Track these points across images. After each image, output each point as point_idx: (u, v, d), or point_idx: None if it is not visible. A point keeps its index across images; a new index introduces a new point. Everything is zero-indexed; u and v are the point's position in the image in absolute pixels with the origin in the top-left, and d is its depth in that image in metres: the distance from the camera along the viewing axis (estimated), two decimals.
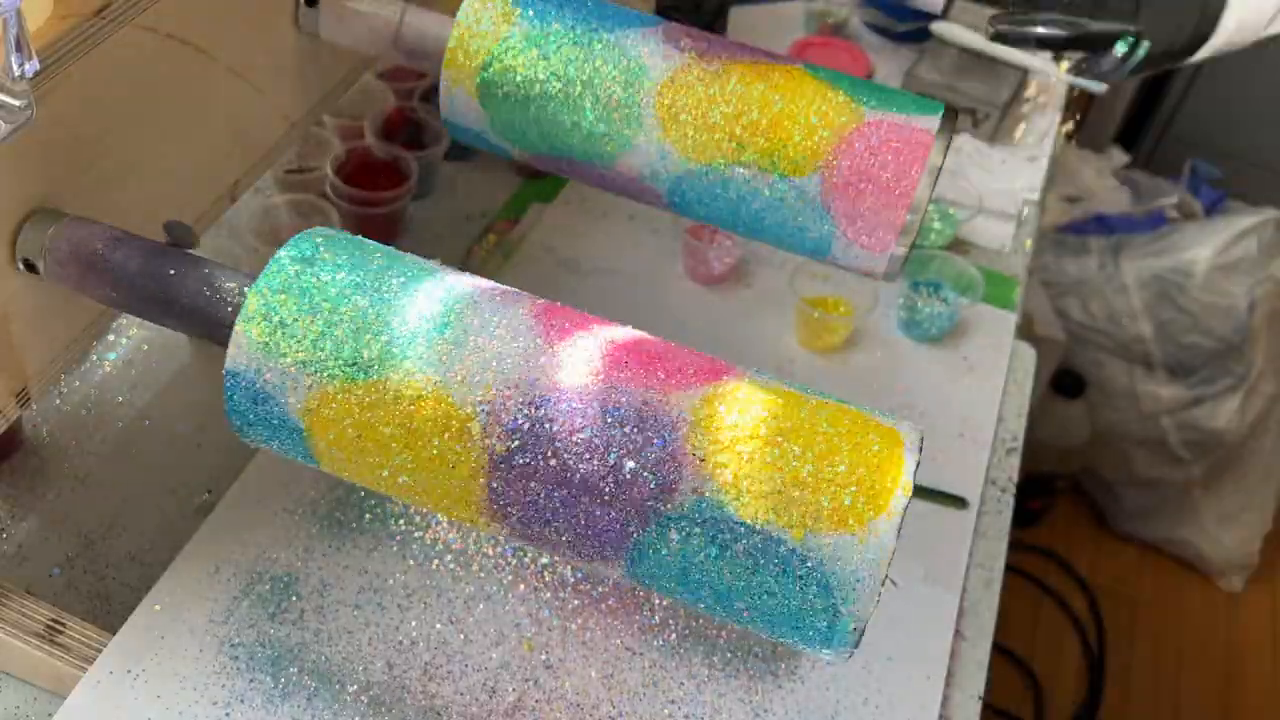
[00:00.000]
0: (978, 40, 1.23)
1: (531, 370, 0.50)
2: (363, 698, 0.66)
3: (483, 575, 0.72)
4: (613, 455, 0.49)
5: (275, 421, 0.53)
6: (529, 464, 0.49)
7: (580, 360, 0.51)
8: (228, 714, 0.64)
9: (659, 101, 0.63)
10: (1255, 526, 1.89)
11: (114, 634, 0.66)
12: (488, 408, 0.50)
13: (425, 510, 0.75)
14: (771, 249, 1.00)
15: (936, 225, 1.05)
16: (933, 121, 0.62)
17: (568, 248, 1.00)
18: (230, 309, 0.54)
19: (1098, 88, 1.22)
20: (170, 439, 0.81)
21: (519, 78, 0.64)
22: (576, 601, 0.72)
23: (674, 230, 1.02)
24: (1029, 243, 1.09)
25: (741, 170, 0.63)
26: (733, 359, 0.54)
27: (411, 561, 0.72)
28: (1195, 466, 1.85)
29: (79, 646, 0.65)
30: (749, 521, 0.48)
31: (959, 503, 0.83)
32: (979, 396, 0.92)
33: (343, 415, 0.51)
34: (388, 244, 0.57)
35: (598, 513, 0.49)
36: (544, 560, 0.73)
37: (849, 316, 0.94)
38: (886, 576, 0.47)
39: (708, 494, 0.48)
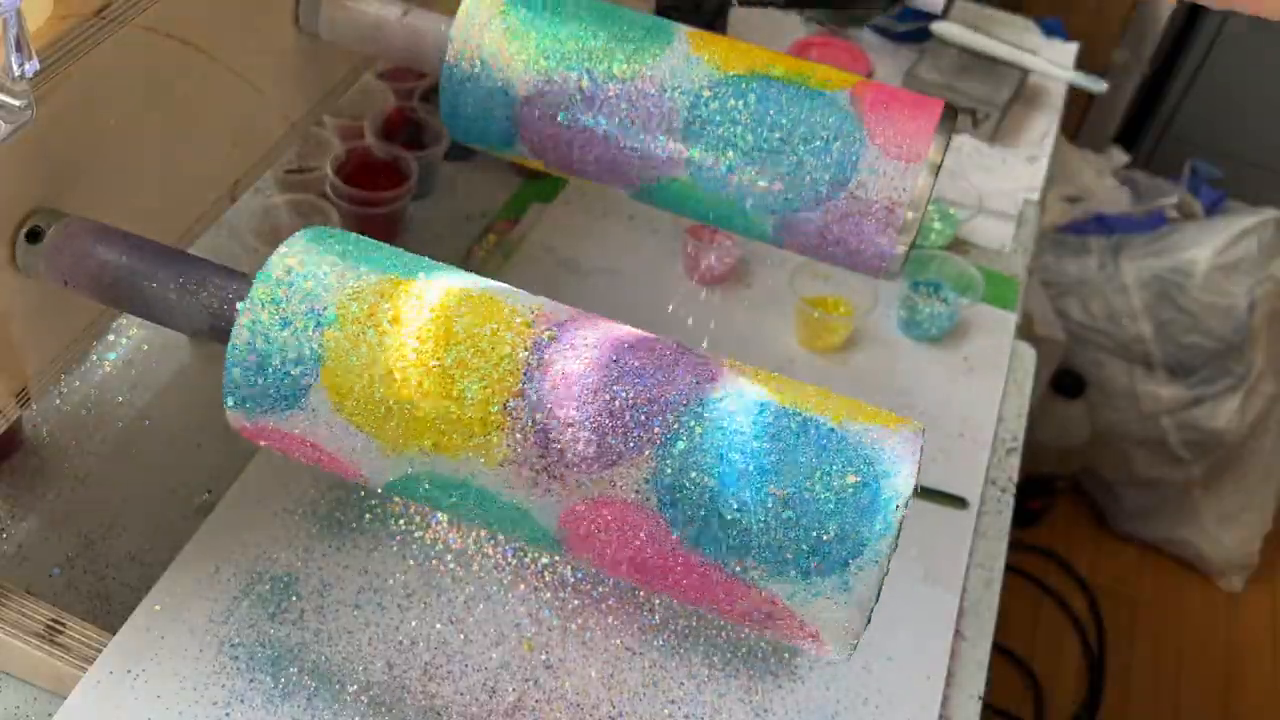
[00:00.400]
0: (978, 40, 1.23)
1: (576, 309, 0.54)
2: (363, 698, 0.66)
3: (483, 575, 0.72)
4: (658, 342, 0.51)
5: (294, 312, 0.52)
6: (574, 345, 0.51)
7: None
8: (228, 714, 0.64)
9: (691, 37, 0.65)
10: (1255, 526, 1.89)
11: (114, 634, 0.66)
12: (536, 309, 0.52)
13: (427, 511, 0.75)
14: (771, 249, 1.00)
15: (936, 225, 1.05)
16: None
17: (568, 248, 1.00)
18: (230, 308, 0.54)
19: (1098, 87, 1.22)
20: (170, 439, 0.81)
21: None
22: (576, 601, 0.72)
23: (674, 230, 1.02)
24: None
25: (769, 81, 0.64)
26: (733, 359, 0.54)
27: (411, 561, 0.72)
28: (1195, 466, 1.85)
29: (79, 646, 0.65)
30: (788, 406, 0.50)
31: (959, 503, 0.83)
32: (979, 396, 0.92)
33: (379, 304, 0.52)
34: (388, 244, 0.57)
35: (649, 374, 0.50)
36: (544, 560, 0.73)
37: (849, 316, 0.94)
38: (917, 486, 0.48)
39: (746, 386, 0.50)
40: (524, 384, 0.50)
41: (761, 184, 0.64)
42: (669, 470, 0.49)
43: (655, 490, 0.49)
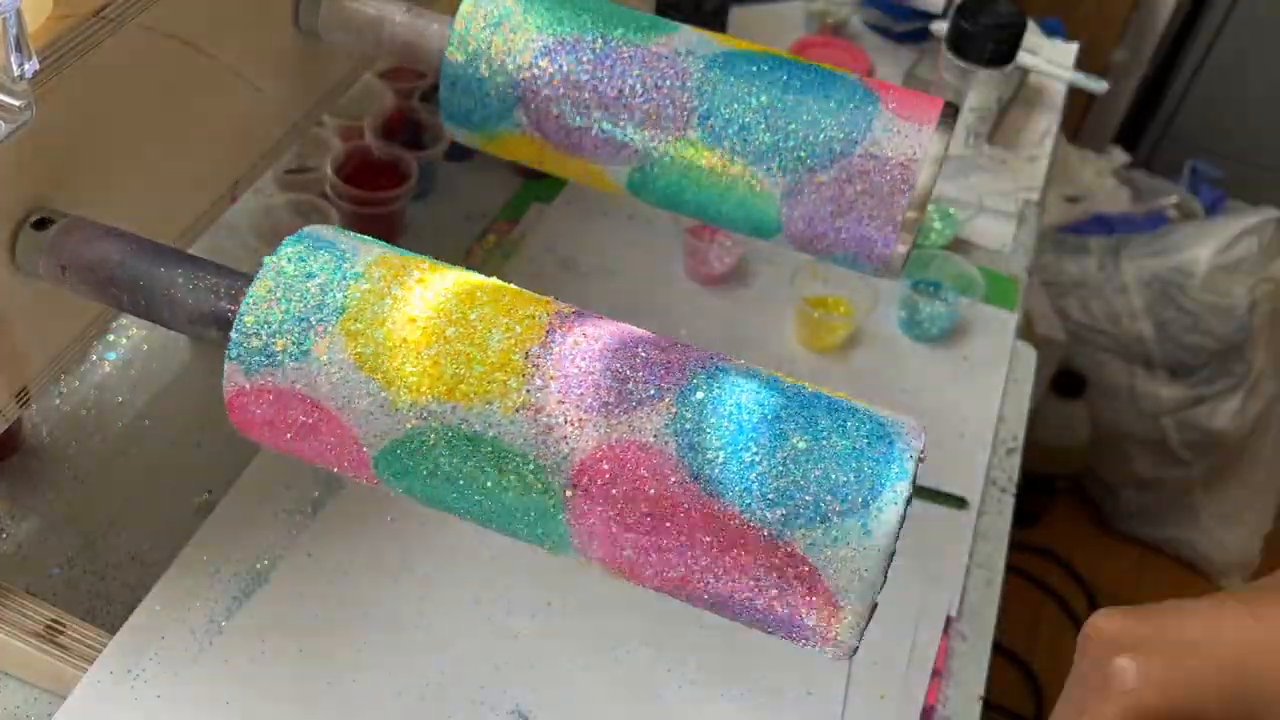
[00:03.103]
0: None
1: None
2: (364, 698, 0.66)
3: (483, 577, 0.72)
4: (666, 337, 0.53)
5: (322, 264, 0.53)
6: (594, 321, 0.52)
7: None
8: (228, 714, 0.64)
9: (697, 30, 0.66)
10: (1255, 526, 1.89)
11: (114, 634, 0.66)
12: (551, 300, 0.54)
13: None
14: (772, 248, 1.00)
15: (936, 225, 1.05)
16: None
17: (568, 248, 1.00)
18: (229, 308, 0.54)
19: (1098, 87, 1.22)
20: (170, 439, 0.81)
21: None
22: (578, 601, 0.72)
23: (674, 230, 1.02)
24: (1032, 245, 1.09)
25: (781, 58, 0.65)
26: (733, 359, 0.54)
27: (412, 564, 0.72)
28: (1195, 466, 1.85)
29: (79, 646, 0.65)
30: (798, 382, 0.51)
31: (959, 503, 0.83)
32: (979, 396, 0.92)
33: (407, 269, 0.53)
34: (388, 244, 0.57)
35: (665, 345, 0.52)
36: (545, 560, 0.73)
37: (849, 316, 0.94)
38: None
39: (756, 370, 0.52)
40: (547, 336, 0.51)
41: (774, 139, 0.64)
42: (688, 416, 0.50)
43: (674, 435, 0.49)
